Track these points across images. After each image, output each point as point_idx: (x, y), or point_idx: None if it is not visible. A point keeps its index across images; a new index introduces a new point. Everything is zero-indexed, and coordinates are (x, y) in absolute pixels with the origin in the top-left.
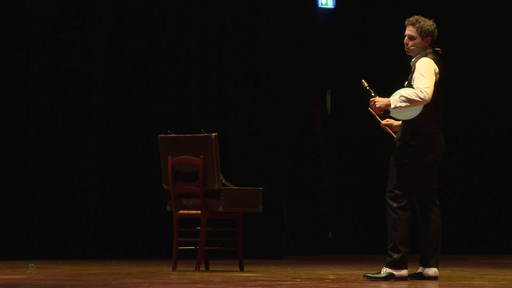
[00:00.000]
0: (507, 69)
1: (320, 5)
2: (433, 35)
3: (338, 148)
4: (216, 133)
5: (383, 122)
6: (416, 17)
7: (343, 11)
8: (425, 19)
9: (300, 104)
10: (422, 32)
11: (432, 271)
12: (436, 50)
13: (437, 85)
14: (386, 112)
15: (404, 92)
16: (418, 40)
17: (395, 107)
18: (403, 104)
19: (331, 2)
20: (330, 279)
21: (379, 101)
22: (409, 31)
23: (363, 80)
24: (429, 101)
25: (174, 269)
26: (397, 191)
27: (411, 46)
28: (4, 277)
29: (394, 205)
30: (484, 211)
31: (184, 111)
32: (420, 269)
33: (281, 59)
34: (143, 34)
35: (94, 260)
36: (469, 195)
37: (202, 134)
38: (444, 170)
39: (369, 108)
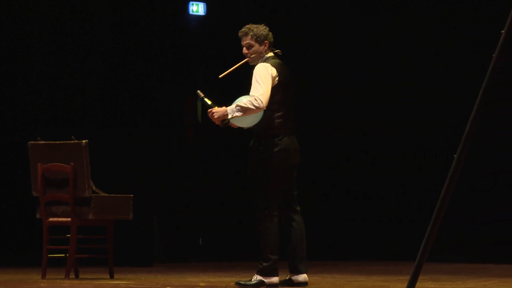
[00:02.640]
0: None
1: (191, 12)
2: (268, 37)
3: (208, 155)
4: (87, 140)
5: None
6: (247, 26)
7: (214, 18)
8: (257, 25)
9: (172, 111)
10: (258, 38)
11: (302, 277)
12: (276, 52)
13: (277, 88)
14: (225, 121)
15: (240, 101)
16: (256, 46)
17: (232, 117)
18: (239, 114)
19: (202, 9)
20: (201, 286)
21: (217, 111)
22: (246, 41)
23: (198, 91)
24: (264, 108)
25: (43, 277)
26: (259, 200)
27: (251, 55)
28: None
29: (260, 214)
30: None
31: (54, 118)
32: (289, 276)
33: (151, 66)
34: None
35: None
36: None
37: (72, 141)
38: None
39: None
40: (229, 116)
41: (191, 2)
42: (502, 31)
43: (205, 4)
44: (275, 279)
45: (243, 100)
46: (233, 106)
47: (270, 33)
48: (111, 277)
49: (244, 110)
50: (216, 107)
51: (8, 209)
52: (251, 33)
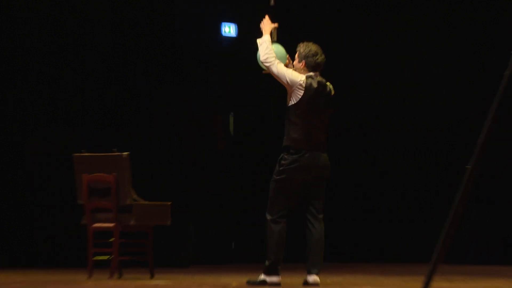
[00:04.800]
0: None
1: (223, 33)
2: (307, 60)
3: (239, 165)
4: (128, 152)
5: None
6: (303, 42)
7: (245, 39)
8: (308, 44)
9: (205, 124)
10: (300, 55)
11: (311, 278)
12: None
13: (299, 104)
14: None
15: (270, 49)
16: (296, 61)
17: (258, 41)
18: (260, 45)
19: (234, 31)
20: (233, 286)
21: (266, 23)
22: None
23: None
24: (260, 60)
25: (90, 277)
26: (270, 205)
27: (294, 67)
28: None
29: (268, 217)
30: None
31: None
32: (306, 276)
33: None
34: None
35: (17, 269)
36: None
37: (114, 153)
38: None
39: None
40: (259, 39)
41: (223, 23)
42: None
43: (236, 25)
44: (275, 279)
45: (271, 52)
46: (267, 44)
47: (316, 57)
48: (152, 277)
49: (262, 49)
50: (269, 25)
51: (56, 216)
52: (298, 48)
